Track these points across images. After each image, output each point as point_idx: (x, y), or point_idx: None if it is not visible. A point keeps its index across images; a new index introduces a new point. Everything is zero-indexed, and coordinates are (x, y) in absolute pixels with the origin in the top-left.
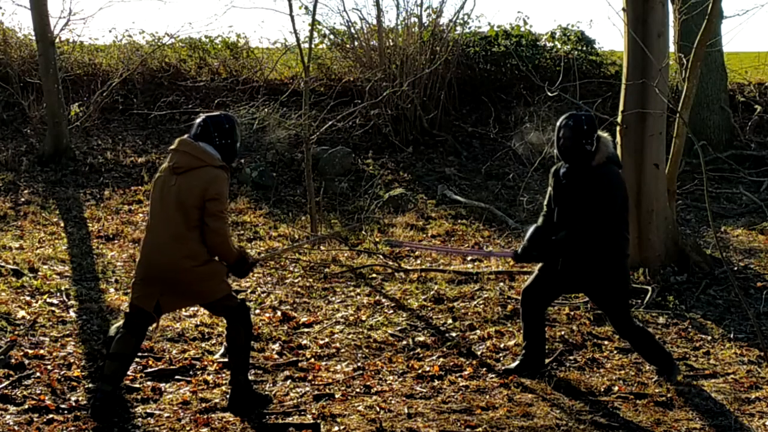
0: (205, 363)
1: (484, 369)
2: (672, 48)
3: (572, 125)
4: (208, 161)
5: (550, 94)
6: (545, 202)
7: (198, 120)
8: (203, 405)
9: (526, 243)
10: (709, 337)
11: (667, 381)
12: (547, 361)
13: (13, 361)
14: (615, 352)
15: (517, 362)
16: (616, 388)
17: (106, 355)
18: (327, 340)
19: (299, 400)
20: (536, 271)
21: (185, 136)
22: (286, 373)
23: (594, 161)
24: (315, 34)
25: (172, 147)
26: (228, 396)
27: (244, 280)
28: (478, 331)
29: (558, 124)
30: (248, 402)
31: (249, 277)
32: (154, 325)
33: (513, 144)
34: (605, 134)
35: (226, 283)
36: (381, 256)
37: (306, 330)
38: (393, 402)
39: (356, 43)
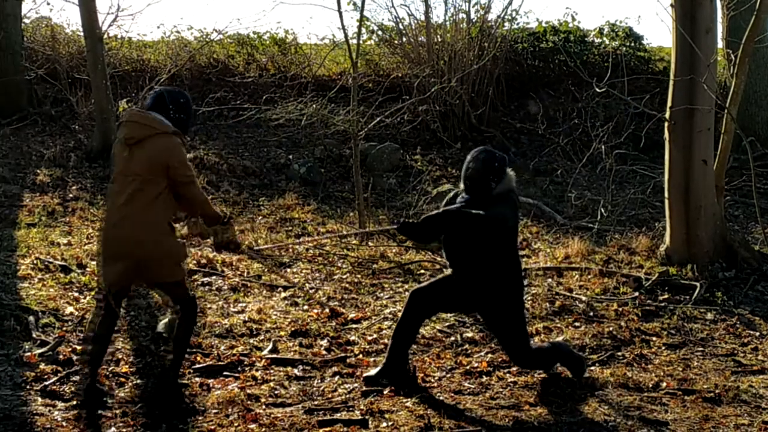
0: (253, 359)
1: None
2: (720, 44)
3: (484, 159)
4: (160, 128)
5: (598, 90)
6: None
7: (153, 92)
8: (251, 401)
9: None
10: (757, 333)
11: (577, 378)
12: (595, 357)
13: (61, 357)
14: (663, 348)
15: (378, 368)
16: (664, 384)
17: (92, 338)
18: (375, 336)
19: (347, 396)
20: (435, 279)
21: (134, 107)
22: (335, 369)
23: (495, 191)
24: (363, 30)
25: (122, 119)
26: (153, 388)
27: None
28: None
29: (470, 156)
30: (172, 398)
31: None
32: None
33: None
34: (512, 172)
35: (182, 268)
36: (429, 252)
37: (354, 326)
38: (441, 398)
39: (404, 39)
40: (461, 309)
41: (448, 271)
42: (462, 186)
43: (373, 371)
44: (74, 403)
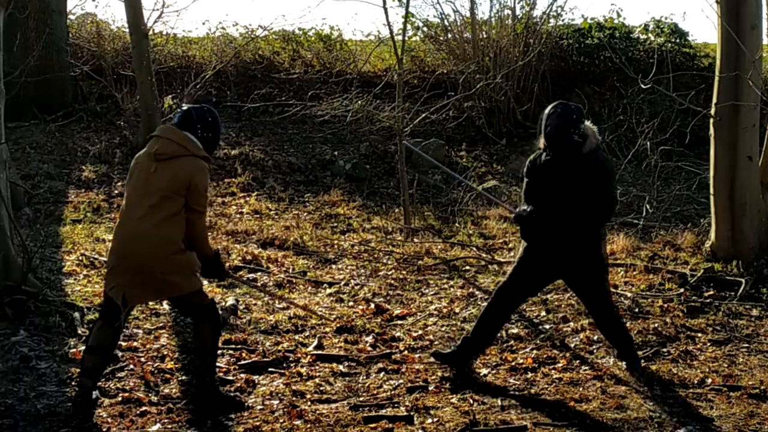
0: (299, 355)
1: (578, 361)
2: (766, 40)
3: (560, 113)
4: (193, 150)
5: (643, 86)
6: (524, 198)
7: (181, 109)
8: (296, 397)
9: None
10: None
11: (631, 371)
12: (641, 354)
13: None
14: (708, 344)
15: (453, 348)
16: (710, 380)
17: (85, 349)
18: (420, 332)
19: (393, 392)
20: (513, 269)
21: (168, 123)
22: (380, 365)
23: (584, 149)
24: (408, 26)
25: (155, 133)
26: (193, 398)
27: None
28: (571, 324)
29: (546, 111)
30: (215, 407)
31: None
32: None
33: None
34: (592, 125)
35: (198, 278)
36: (474, 248)
37: (399, 322)
38: (486, 394)
39: (449, 35)
40: (548, 280)
41: (521, 250)
42: (541, 145)
43: (446, 351)
44: (119, 399)
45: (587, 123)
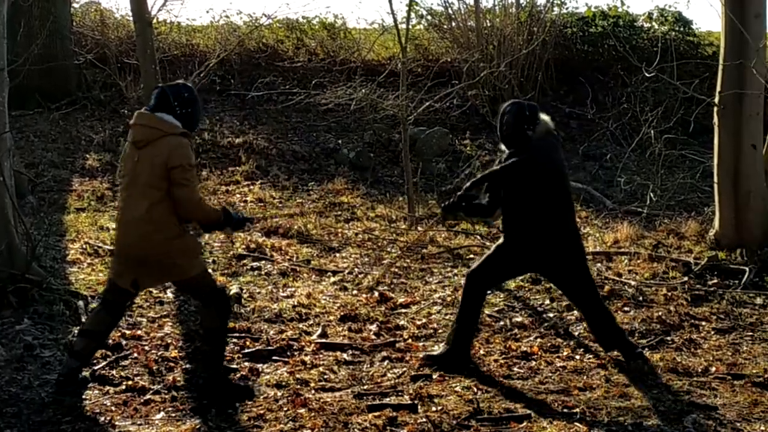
0: (303, 344)
1: (582, 350)
2: None
3: (515, 111)
4: (168, 130)
5: (647, 74)
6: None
7: (155, 91)
8: (300, 386)
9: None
10: None
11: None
12: (645, 342)
13: (110, 341)
14: (712, 332)
15: (441, 350)
16: (714, 369)
17: (78, 331)
18: (424, 320)
19: (397, 380)
20: (487, 254)
21: (143, 108)
22: (384, 353)
23: (533, 138)
24: (412, 14)
25: (131, 122)
26: (201, 386)
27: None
28: (575, 312)
29: (501, 110)
30: (223, 394)
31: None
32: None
33: None
34: (546, 117)
35: (201, 261)
36: (478, 237)
37: (403, 310)
38: (490, 383)
39: (453, 24)
40: (520, 272)
41: (500, 241)
42: (502, 145)
43: (436, 351)
44: (123, 387)
45: (542, 116)
